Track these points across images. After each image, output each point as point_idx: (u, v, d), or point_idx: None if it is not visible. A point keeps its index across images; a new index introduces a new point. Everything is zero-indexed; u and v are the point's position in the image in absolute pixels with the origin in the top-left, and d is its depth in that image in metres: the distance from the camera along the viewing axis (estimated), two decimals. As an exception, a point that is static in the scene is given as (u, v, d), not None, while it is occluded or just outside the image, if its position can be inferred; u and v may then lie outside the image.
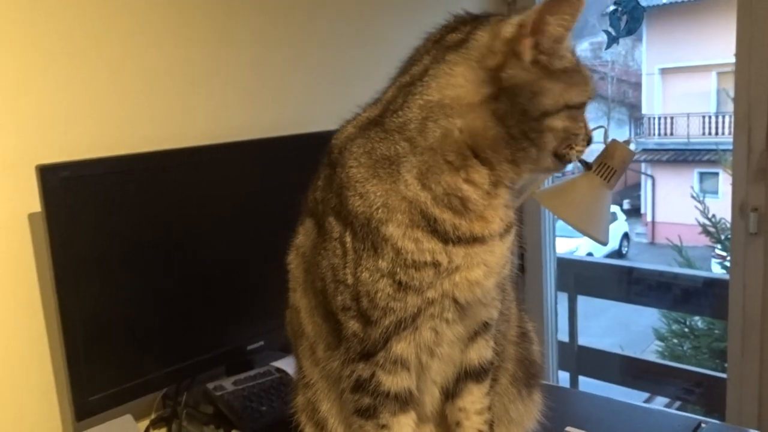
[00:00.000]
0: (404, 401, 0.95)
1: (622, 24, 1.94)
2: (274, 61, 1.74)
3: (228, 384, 1.53)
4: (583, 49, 7.71)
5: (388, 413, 0.94)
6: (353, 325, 0.92)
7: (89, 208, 1.26)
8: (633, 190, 8.27)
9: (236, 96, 1.66)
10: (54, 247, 1.22)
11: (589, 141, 0.94)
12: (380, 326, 0.90)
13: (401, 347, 0.91)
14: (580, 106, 0.89)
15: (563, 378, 2.76)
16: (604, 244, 1.66)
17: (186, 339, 1.48)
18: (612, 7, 1.97)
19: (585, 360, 2.83)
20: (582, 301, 3.05)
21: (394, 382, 0.93)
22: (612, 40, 2.01)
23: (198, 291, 1.48)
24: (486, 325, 0.99)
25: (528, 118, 0.85)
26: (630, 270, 3.02)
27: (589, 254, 6.49)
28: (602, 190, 1.63)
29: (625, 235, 7.87)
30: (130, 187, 1.33)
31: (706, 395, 2.61)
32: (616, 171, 1.62)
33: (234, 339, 1.56)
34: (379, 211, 0.88)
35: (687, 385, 2.74)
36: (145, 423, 1.52)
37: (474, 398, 1.00)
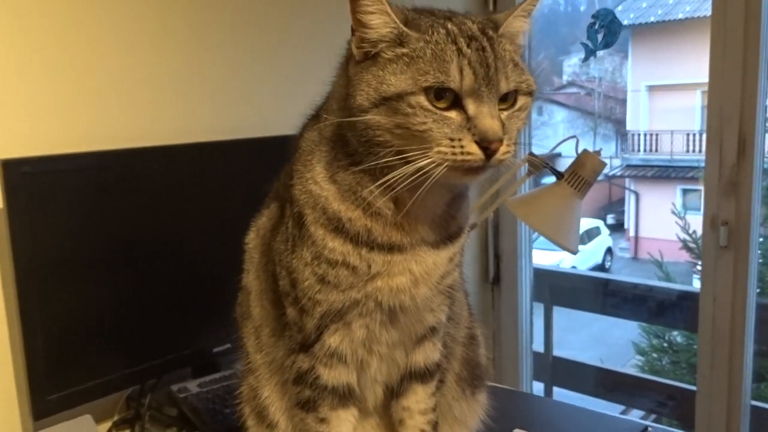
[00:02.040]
0: (344, 396, 0.96)
1: (600, 37, 1.96)
2: (248, 62, 1.74)
3: (193, 386, 1.52)
4: (571, 64, 7.78)
5: (328, 407, 0.95)
6: (291, 312, 0.94)
7: (52, 205, 1.26)
8: (617, 206, 8.31)
9: (206, 96, 1.65)
10: (15, 244, 1.21)
11: (479, 136, 0.77)
12: (312, 317, 0.91)
13: (335, 341, 0.92)
14: (406, 95, 0.77)
15: (537, 388, 2.75)
16: (574, 253, 1.67)
17: (151, 340, 1.46)
18: (591, 21, 1.99)
19: (560, 371, 2.83)
20: (563, 314, 3.06)
21: (332, 375, 0.94)
22: (589, 53, 2.02)
23: (164, 292, 1.47)
24: (433, 329, 1.00)
25: (349, 111, 0.82)
26: (606, 282, 3.03)
27: (573, 268, 6.53)
28: (573, 200, 1.64)
29: (608, 250, 7.89)
30: (94, 184, 1.33)
31: (680, 408, 2.61)
32: (587, 181, 1.63)
33: (200, 341, 1.55)
34: (304, 201, 0.89)
35: (661, 397, 2.75)
36: (108, 424, 1.51)
37: (419, 398, 1.01)
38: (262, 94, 1.78)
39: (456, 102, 0.78)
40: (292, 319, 0.94)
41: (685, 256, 4.92)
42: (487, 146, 0.78)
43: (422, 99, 0.77)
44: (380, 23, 0.79)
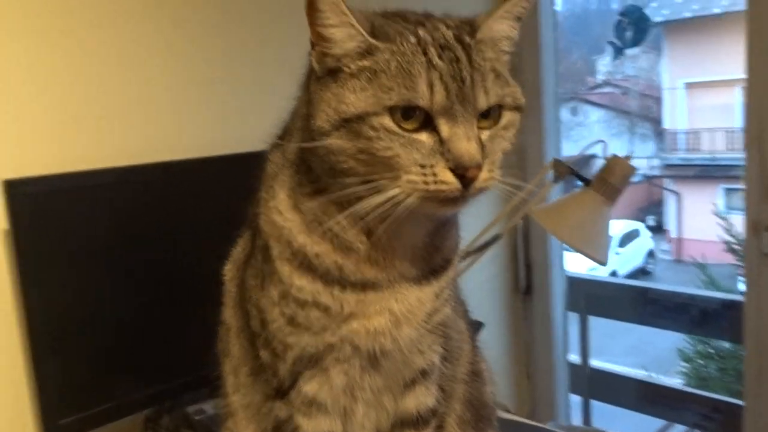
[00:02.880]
0: None
1: (628, 35, 1.88)
2: (247, 77, 1.70)
3: (209, 407, 1.48)
4: (605, 63, 7.60)
5: None
6: (264, 355, 0.86)
7: (57, 224, 1.23)
8: (657, 207, 8.09)
9: (206, 112, 1.61)
10: (21, 264, 1.19)
11: (453, 161, 0.68)
12: (285, 361, 0.83)
13: (312, 388, 0.84)
14: (367, 116, 0.68)
15: (575, 402, 2.65)
16: (603, 264, 1.59)
17: (166, 360, 1.43)
18: (618, 18, 1.91)
19: (598, 383, 2.72)
20: (601, 323, 2.93)
21: (311, 426, 0.86)
22: (618, 52, 1.94)
23: (179, 311, 1.44)
24: (424, 373, 0.90)
25: (310, 134, 0.73)
26: (645, 290, 2.90)
27: (613, 273, 6.34)
28: (602, 208, 1.56)
29: (650, 253, 7.67)
30: (99, 202, 1.30)
31: (726, 423, 2.48)
32: (616, 187, 1.54)
33: (217, 362, 1.51)
34: (269, 232, 0.81)
35: (706, 411, 2.62)
36: (126, 447, 1.48)
37: None
38: (265, 108, 1.75)
39: (427, 122, 0.69)
40: (266, 362, 0.86)
41: (729, 258, 4.74)
42: (463, 173, 0.68)
43: (386, 120, 0.68)
44: (344, 37, 0.70)
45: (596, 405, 2.69)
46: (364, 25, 0.70)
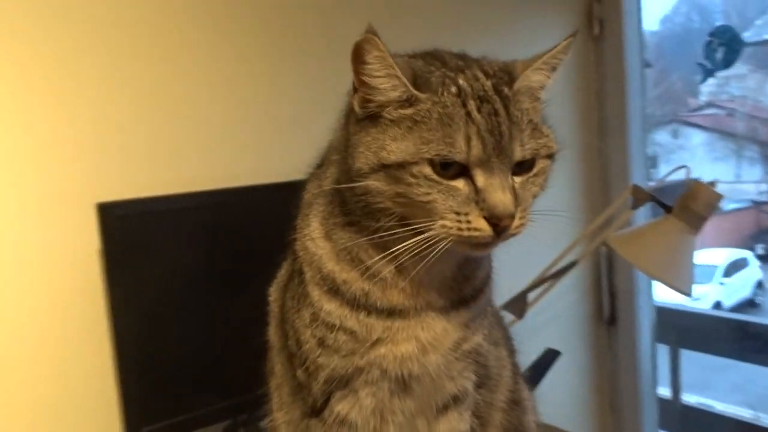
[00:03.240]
0: None
1: (719, 56, 1.80)
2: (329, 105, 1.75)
3: (281, 423, 1.53)
4: (708, 84, 7.22)
5: None
6: (300, 374, 0.89)
7: (146, 244, 1.32)
8: (767, 234, 7.55)
9: (291, 135, 1.68)
10: (111, 281, 1.28)
11: (488, 211, 0.70)
12: (317, 381, 0.86)
13: (343, 408, 0.86)
14: (408, 165, 0.70)
15: (665, 439, 2.51)
16: (689, 295, 1.51)
17: (243, 373, 1.48)
18: (707, 39, 1.83)
19: (691, 421, 2.57)
20: (698, 357, 2.77)
21: None
22: (707, 74, 1.86)
23: (256, 327, 1.50)
24: (456, 399, 0.90)
25: (348, 174, 0.75)
26: (745, 324, 2.72)
27: (717, 305, 5.96)
28: (685, 236, 1.50)
29: (759, 283, 7.16)
30: (189, 224, 1.38)
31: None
32: (700, 215, 1.48)
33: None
34: (303, 258, 0.85)
35: (814, 457, 2.41)
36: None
37: None
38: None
39: (464, 170, 0.71)
40: (301, 380, 0.89)
41: None
42: (497, 222, 0.70)
43: (426, 169, 0.70)
44: (388, 87, 0.72)
45: (688, 444, 2.54)
46: (407, 74, 0.72)
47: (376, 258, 0.78)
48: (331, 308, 0.82)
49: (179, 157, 1.51)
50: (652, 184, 2.36)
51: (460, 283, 0.84)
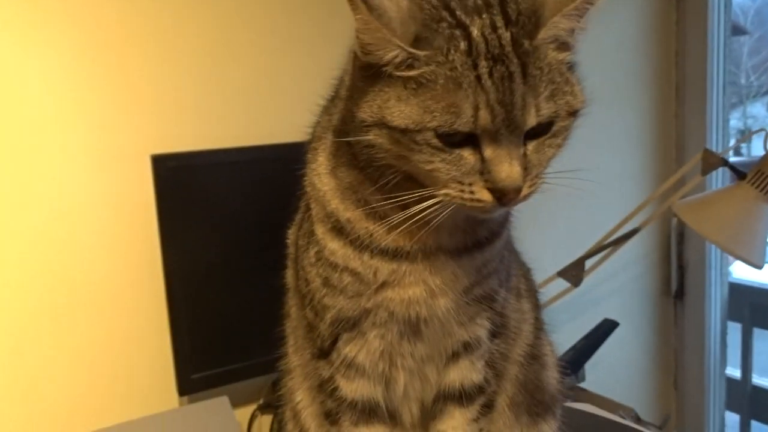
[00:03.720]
0: (366, 412, 0.86)
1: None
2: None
3: (328, 378, 1.54)
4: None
5: (349, 422, 0.86)
6: (309, 314, 0.87)
7: (196, 195, 1.34)
8: None
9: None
10: (163, 231, 1.31)
11: (492, 183, 0.64)
12: (324, 321, 0.83)
13: (351, 350, 0.83)
14: (410, 131, 0.64)
15: (732, 421, 2.40)
16: (759, 267, 1.42)
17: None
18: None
19: (761, 405, 2.43)
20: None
21: (351, 389, 0.85)
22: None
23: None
24: (468, 346, 0.86)
25: (352, 118, 0.69)
26: (829, 305, 2.54)
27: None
28: (758, 205, 1.40)
29: None
30: (234, 178, 1.39)
31: None
32: (777, 182, 1.37)
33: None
34: (310, 194, 0.82)
35: None
36: (254, 407, 1.59)
37: (456, 423, 0.88)
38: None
39: (471, 138, 0.64)
40: (310, 320, 0.87)
41: None
42: (501, 196, 0.65)
43: (430, 136, 0.64)
44: (381, 51, 0.64)
45: (757, 427, 2.42)
46: (407, 29, 0.64)
47: (383, 203, 0.73)
48: (334, 247, 0.79)
49: (229, 113, 1.53)
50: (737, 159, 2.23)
51: (474, 226, 0.79)
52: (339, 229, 0.78)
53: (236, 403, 1.54)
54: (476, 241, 0.79)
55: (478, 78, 0.62)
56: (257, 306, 1.46)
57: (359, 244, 0.77)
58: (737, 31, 2.61)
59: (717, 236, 1.40)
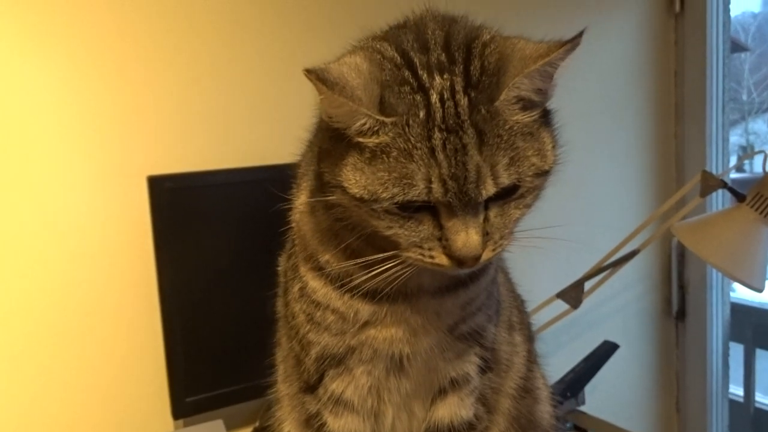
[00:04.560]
0: None
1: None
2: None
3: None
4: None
5: None
6: (295, 347, 0.86)
7: (193, 217, 1.34)
8: None
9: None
10: (159, 252, 1.30)
11: (450, 252, 0.64)
12: (310, 356, 0.82)
13: (339, 386, 0.82)
14: (367, 201, 0.64)
15: (735, 443, 2.37)
16: (760, 290, 1.41)
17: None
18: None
19: (765, 426, 2.41)
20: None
21: (339, 425, 0.84)
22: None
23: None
24: (456, 382, 0.85)
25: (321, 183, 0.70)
26: (833, 325, 2.52)
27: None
28: (758, 227, 1.39)
29: None
30: (232, 199, 1.38)
31: None
32: (777, 204, 1.36)
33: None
34: (294, 229, 0.82)
35: None
36: (248, 431, 1.57)
37: None
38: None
39: (428, 205, 0.63)
40: (296, 354, 0.87)
41: None
42: (461, 263, 0.64)
43: (387, 205, 0.63)
44: (349, 121, 0.63)
45: (762, 450, 2.39)
46: (372, 93, 0.63)
47: (348, 262, 0.73)
48: (316, 286, 0.78)
49: (227, 133, 1.52)
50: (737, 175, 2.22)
51: None
52: (319, 268, 0.78)
53: (231, 427, 1.52)
54: (459, 281, 0.78)
55: (432, 150, 0.61)
56: (253, 329, 1.44)
57: (340, 285, 0.76)
58: (737, 48, 2.61)
59: (717, 259, 1.39)
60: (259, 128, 1.56)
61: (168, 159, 1.43)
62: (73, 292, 1.39)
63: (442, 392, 0.86)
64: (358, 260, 0.70)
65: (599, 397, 1.86)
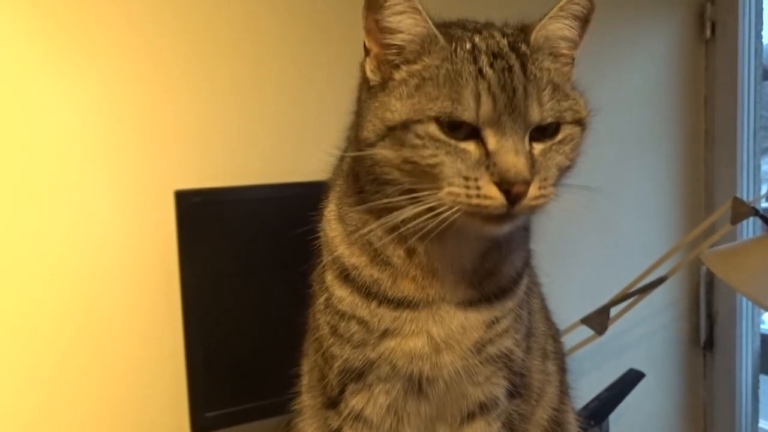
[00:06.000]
0: None
1: None
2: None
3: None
4: None
5: None
6: (319, 360, 0.86)
7: (218, 232, 1.35)
8: None
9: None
10: (183, 267, 1.31)
11: (498, 175, 0.63)
12: (332, 370, 0.82)
13: (358, 403, 0.82)
14: (412, 124, 0.65)
15: (765, 480, 2.30)
16: (791, 321, 1.37)
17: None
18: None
19: (798, 462, 2.33)
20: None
21: None
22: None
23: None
24: (484, 407, 0.83)
25: (358, 145, 0.71)
26: None
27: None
28: (790, 256, 1.35)
29: None
30: (257, 214, 1.39)
31: None
32: (810, 233, 1.33)
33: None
34: (321, 240, 0.83)
35: None
36: (269, 448, 1.56)
37: None
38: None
39: (475, 132, 0.64)
40: (321, 368, 0.87)
41: None
42: (509, 189, 0.63)
43: (432, 128, 0.64)
44: (411, 24, 0.68)
45: (793, 488, 2.31)
46: (430, 21, 0.70)
47: (375, 227, 0.73)
48: (342, 294, 0.78)
49: (255, 149, 1.54)
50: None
51: (482, 279, 0.78)
52: (346, 276, 0.78)
53: (250, 444, 1.52)
54: (486, 295, 0.78)
55: (479, 69, 0.64)
56: (275, 345, 1.44)
57: (366, 292, 0.77)
58: (769, 75, 2.58)
59: (748, 288, 1.36)
60: (285, 145, 1.58)
61: (195, 174, 1.44)
62: (96, 303, 1.40)
63: (470, 416, 0.85)
64: (390, 199, 0.69)
65: (624, 427, 1.82)
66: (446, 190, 0.65)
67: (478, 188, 0.64)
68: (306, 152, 1.59)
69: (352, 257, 0.77)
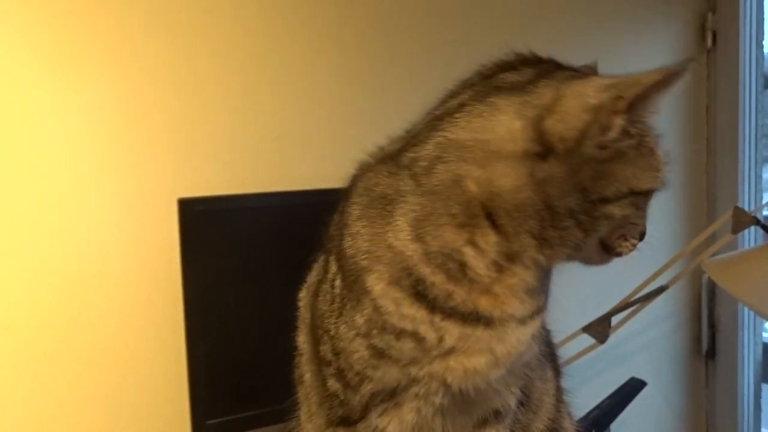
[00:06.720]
0: None
1: None
2: (407, 111, 1.73)
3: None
4: None
5: None
6: (333, 384, 0.83)
7: (221, 241, 1.35)
8: None
9: (369, 141, 1.67)
10: (186, 275, 1.32)
11: (642, 235, 0.82)
12: (359, 393, 0.79)
13: (382, 422, 0.79)
14: (647, 194, 0.79)
15: (768, 490, 2.29)
16: (793, 331, 1.37)
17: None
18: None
19: (799, 472, 2.32)
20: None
21: None
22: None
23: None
24: (497, 414, 0.83)
25: (583, 197, 0.72)
26: None
27: None
28: (791, 265, 1.36)
29: None
30: (261, 223, 1.40)
31: None
32: (812, 243, 1.34)
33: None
34: (364, 256, 0.76)
35: None
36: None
37: None
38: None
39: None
40: (332, 391, 0.83)
41: None
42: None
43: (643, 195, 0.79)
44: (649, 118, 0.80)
45: (795, 498, 2.30)
46: None
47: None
48: (410, 312, 0.74)
49: (259, 157, 1.54)
50: None
51: (538, 293, 0.78)
52: (417, 292, 0.75)
53: (252, 451, 1.51)
54: (538, 309, 0.78)
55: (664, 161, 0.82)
56: (278, 353, 1.44)
57: (433, 305, 0.74)
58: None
59: (748, 296, 1.36)
60: (289, 153, 1.58)
61: (199, 182, 1.45)
62: (99, 311, 1.41)
63: (481, 424, 0.84)
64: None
65: (624, 436, 1.82)
66: (631, 240, 0.81)
67: (633, 238, 0.82)
68: (312, 160, 1.60)
69: (433, 275, 0.74)
